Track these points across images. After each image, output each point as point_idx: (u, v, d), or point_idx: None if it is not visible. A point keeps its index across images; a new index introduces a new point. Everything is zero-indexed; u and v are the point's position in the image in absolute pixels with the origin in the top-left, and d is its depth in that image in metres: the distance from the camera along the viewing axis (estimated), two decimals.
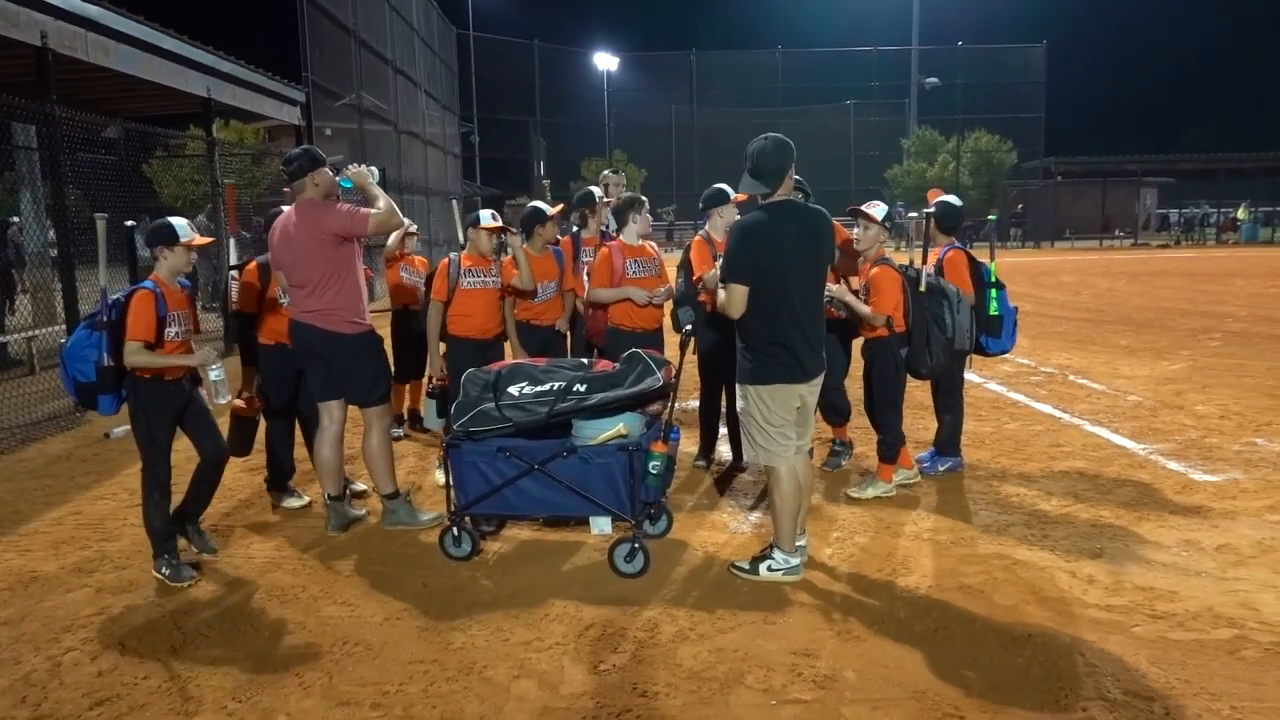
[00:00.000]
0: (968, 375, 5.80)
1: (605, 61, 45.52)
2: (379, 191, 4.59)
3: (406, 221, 5.05)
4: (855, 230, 5.14)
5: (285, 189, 4.73)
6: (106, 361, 4.07)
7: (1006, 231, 40.04)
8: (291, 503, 5.29)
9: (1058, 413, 7.24)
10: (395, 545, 4.67)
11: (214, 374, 4.19)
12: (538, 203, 5.81)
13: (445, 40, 31.99)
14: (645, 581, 4.10)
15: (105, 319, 4.08)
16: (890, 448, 5.13)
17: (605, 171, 7.35)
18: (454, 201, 8.20)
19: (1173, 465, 5.74)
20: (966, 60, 43.66)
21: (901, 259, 5.38)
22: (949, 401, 5.58)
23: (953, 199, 5.56)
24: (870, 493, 5.12)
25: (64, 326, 8.21)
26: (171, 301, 4.20)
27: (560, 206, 6.05)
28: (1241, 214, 40.13)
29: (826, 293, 4.45)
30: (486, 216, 5.51)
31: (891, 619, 3.70)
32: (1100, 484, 5.39)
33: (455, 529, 4.40)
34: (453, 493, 4.36)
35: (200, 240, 4.35)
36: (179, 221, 4.28)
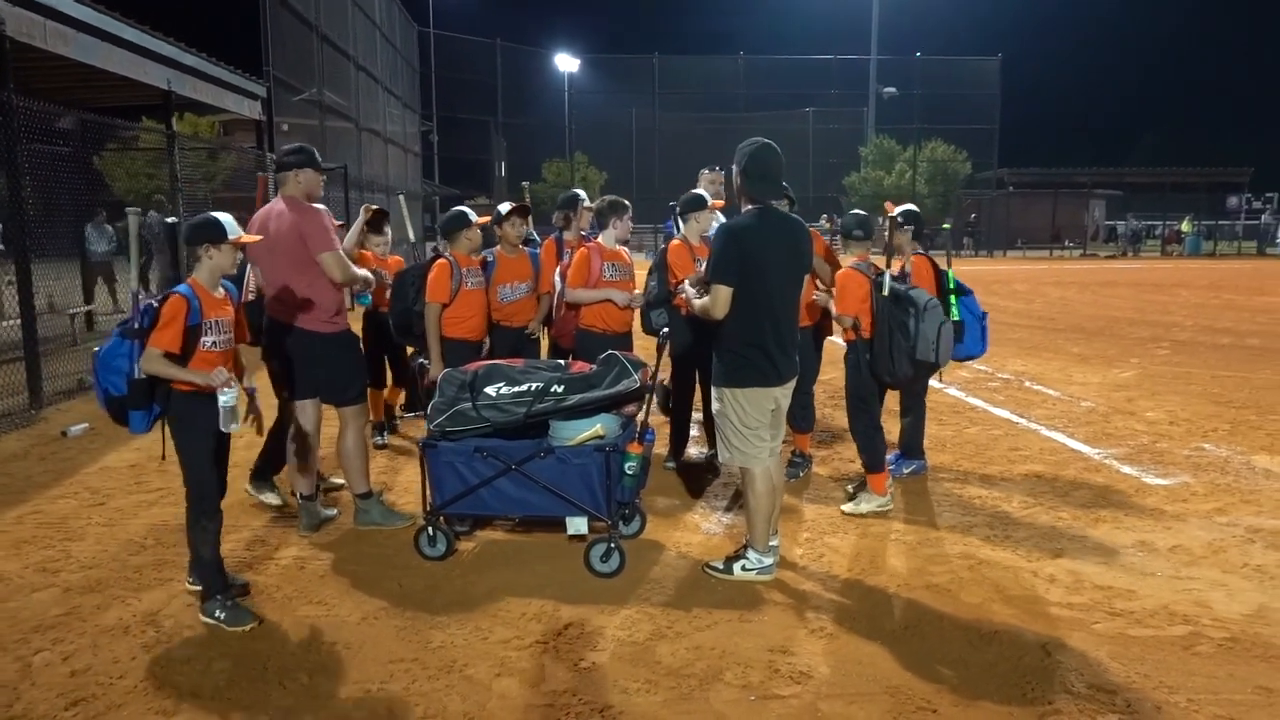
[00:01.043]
0: (931, 381, 5.93)
1: (567, 63, 45.46)
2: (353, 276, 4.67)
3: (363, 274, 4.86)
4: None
5: (260, 173, 4.72)
6: (138, 374, 3.63)
7: (960, 240, 40.79)
8: (269, 498, 5.23)
9: (1015, 418, 7.43)
10: (369, 545, 4.67)
11: (224, 399, 3.68)
12: (463, 208, 5.73)
13: (407, 37, 31.75)
14: (621, 581, 4.16)
15: (137, 325, 3.64)
16: (871, 455, 5.09)
17: (704, 170, 7.15)
18: (400, 198, 8.12)
19: (1126, 469, 5.94)
20: (924, 71, 44.38)
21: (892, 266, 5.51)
22: (909, 404, 5.71)
23: (910, 207, 5.69)
24: (864, 508, 5.05)
25: (17, 321, 8.02)
26: (209, 307, 3.75)
27: (486, 218, 5.89)
28: (1185, 227, 41.34)
29: (815, 297, 4.54)
30: (471, 213, 5.60)
31: (863, 617, 3.80)
32: (1058, 487, 5.56)
33: (431, 529, 4.41)
34: (428, 492, 4.38)
35: (249, 238, 3.99)
36: (225, 217, 3.86)
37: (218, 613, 3.76)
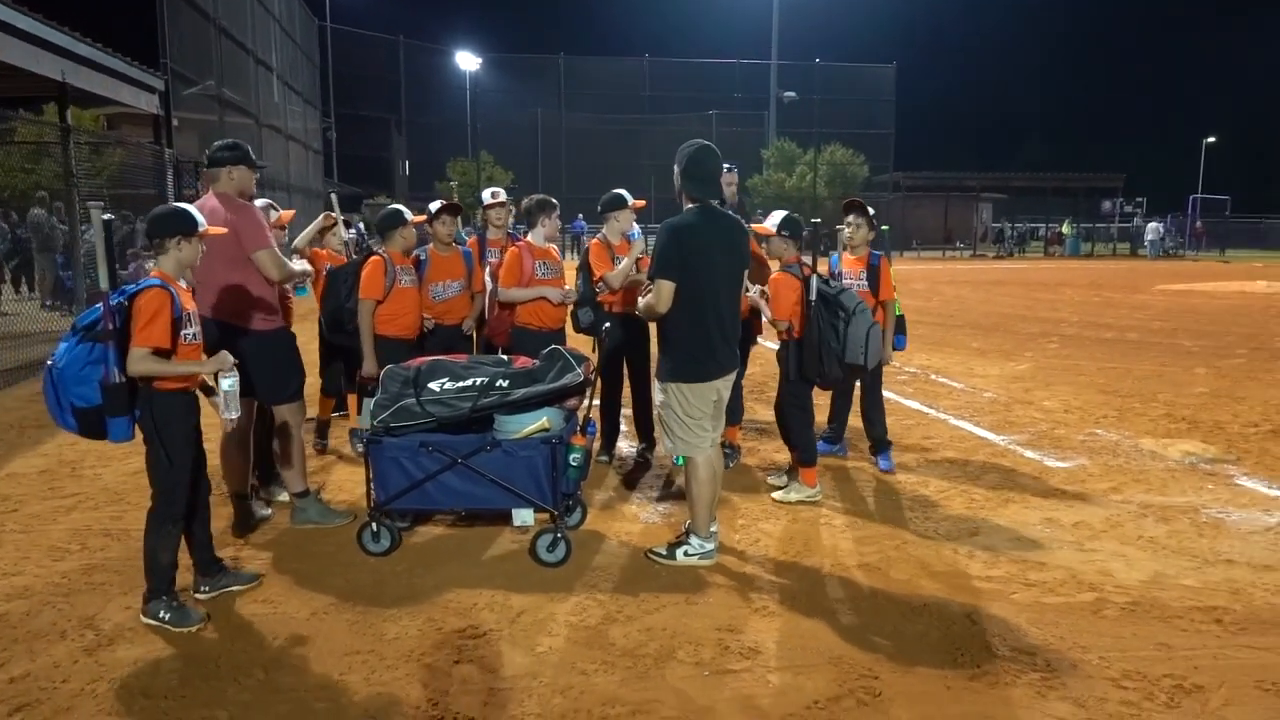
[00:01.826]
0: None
1: (469, 62, 45.05)
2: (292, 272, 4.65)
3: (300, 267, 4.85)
4: (763, 244, 5.44)
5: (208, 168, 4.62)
6: (117, 378, 3.45)
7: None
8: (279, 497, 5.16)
9: (925, 409, 7.83)
10: (310, 544, 4.64)
11: (226, 384, 3.60)
12: (399, 206, 5.75)
13: (307, 32, 30.98)
14: (567, 570, 4.26)
15: (111, 327, 3.45)
16: (804, 451, 5.28)
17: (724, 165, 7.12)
18: (333, 195, 8.04)
19: (1029, 454, 6.35)
20: (823, 76, 45.71)
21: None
22: (869, 400, 5.96)
23: (790, 215, 5.71)
24: (794, 497, 5.24)
25: None
26: (183, 299, 3.66)
27: (423, 216, 5.88)
28: (1065, 229, 43.67)
29: (749, 291, 4.72)
30: (405, 211, 5.60)
31: (802, 595, 4.00)
32: (969, 471, 5.91)
33: (375, 525, 4.42)
34: (372, 488, 4.39)
35: (216, 230, 3.90)
36: (193, 209, 3.79)
37: (162, 613, 3.68)
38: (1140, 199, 50.21)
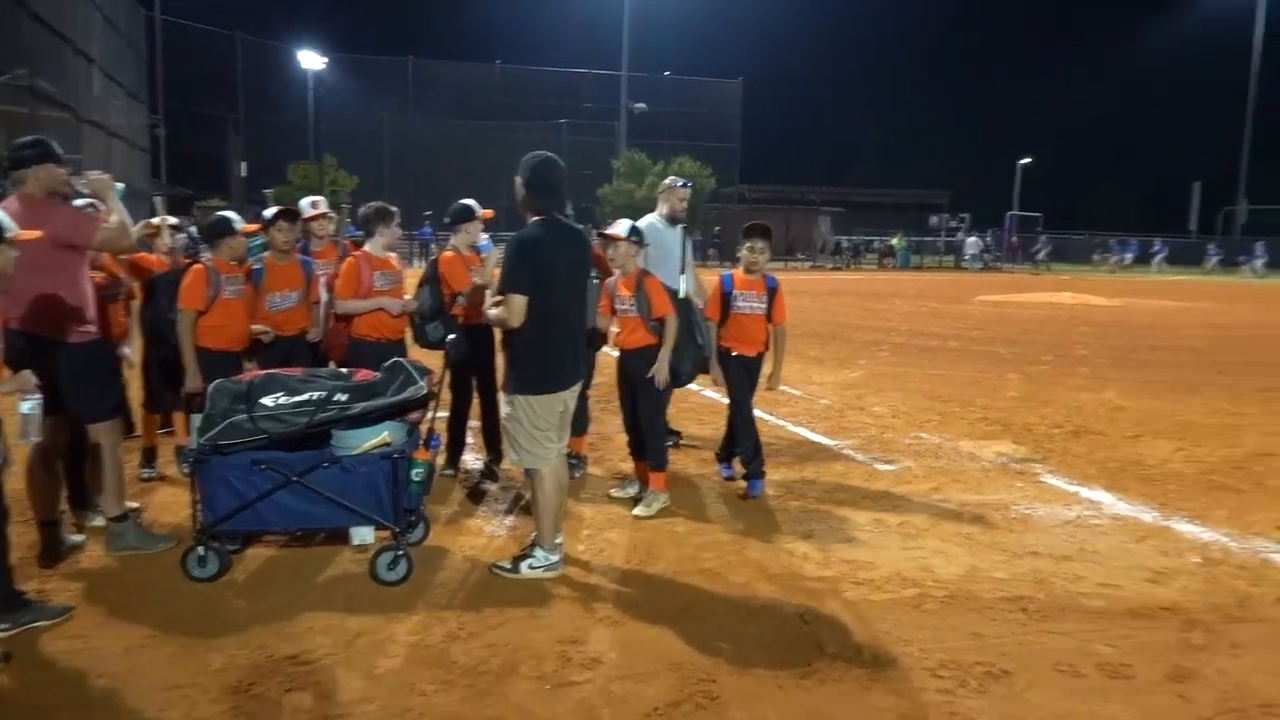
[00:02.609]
0: (694, 385, 6.34)
1: (312, 60, 43.30)
2: (117, 205, 4.28)
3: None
4: (609, 251, 5.52)
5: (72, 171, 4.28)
6: None
7: (705, 250, 43.23)
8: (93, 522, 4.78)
9: (765, 415, 8.09)
10: (128, 572, 4.34)
11: (26, 406, 3.42)
12: (229, 214, 5.50)
13: (134, 22, 29.04)
14: (409, 588, 4.17)
15: None
16: (660, 455, 5.36)
17: (670, 179, 6.79)
18: (157, 200, 7.58)
19: (860, 457, 6.70)
20: (672, 90, 46.68)
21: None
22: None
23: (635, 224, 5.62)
24: (656, 506, 5.27)
25: None
26: None
27: (254, 227, 5.67)
28: (896, 242, 46.25)
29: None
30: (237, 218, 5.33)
31: (644, 603, 4.08)
32: (805, 475, 6.17)
33: (201, 549, 4.19)
34: (198, 510, 4.16)
35: (28, 234, 3.69)
36: (2, 213, 3.60)
37: None
38: (964, 215, 53.76)
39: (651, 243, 6.03)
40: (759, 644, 3.69)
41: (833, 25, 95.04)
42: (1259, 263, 43.86)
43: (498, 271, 5.43)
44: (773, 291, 5.68)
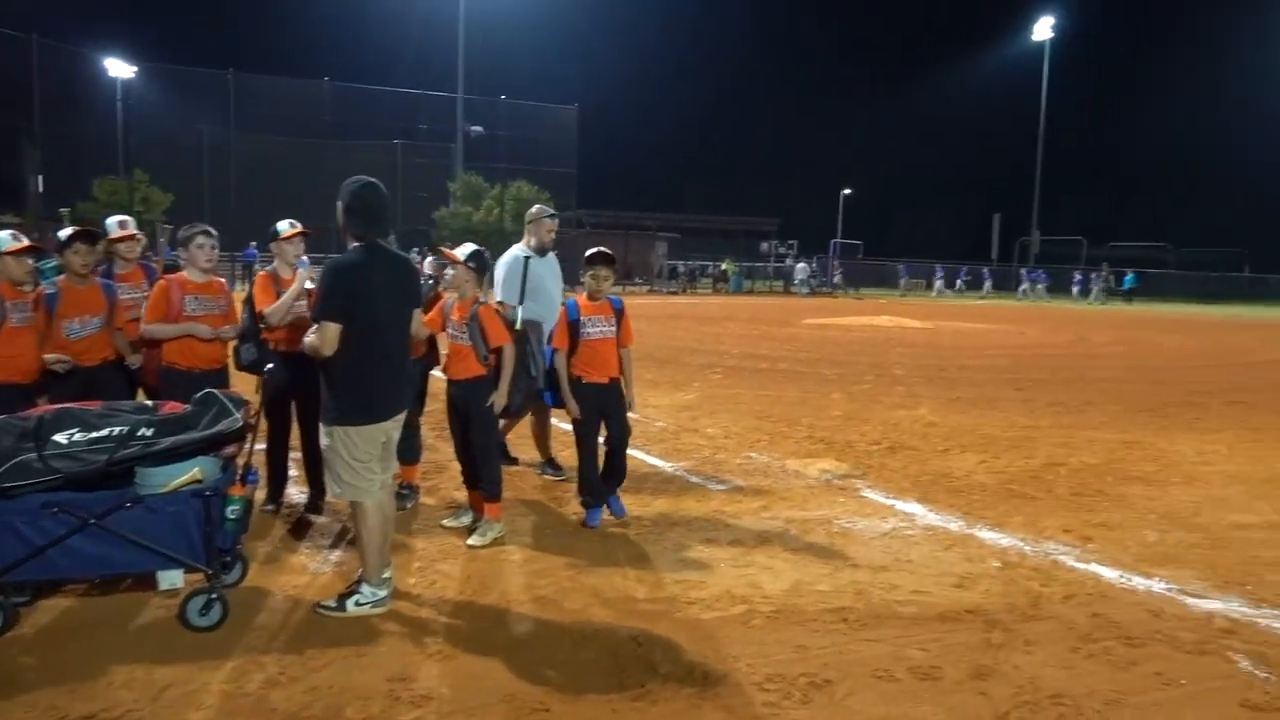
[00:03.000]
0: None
1: (120, 69, 40.54)
2: None
3: None
4: (428, 261, 5.43)
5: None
6: None
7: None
8: None
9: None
10: None
11: None
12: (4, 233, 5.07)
13: None
14: (224, 633, 3.93)
15: None
16: (495, 485, 5.28)
17: (537, 208, 6.54)
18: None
19: (693, 479, 6.85)
20: (509, 114, 46.58)
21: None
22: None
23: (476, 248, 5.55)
24: (491, 536, 5.18)
25: None
26: None
27: (23, 246, 5.23)
28: (726, 267, 47.85)
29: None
30: (6, 238, 4.86)
31: (477, 635, 4.01)
32: (640, 498, 6.24)
33: None
34: None
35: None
36: None
37: None
38: (792, 241, 56.33)
39: (513, 275, 6.00)
40: (593, 669, 3.70)
41: (666, 55, 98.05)
42: (1040, 286, 48.85)
43: (303, 291, 5.28)
44: (619, 313, 5.65)
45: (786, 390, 11.55)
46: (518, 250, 6.52)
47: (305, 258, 5.51)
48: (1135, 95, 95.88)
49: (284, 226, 5.49)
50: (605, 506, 5.67)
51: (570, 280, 7.72)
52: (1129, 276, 48.83)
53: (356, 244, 4.04)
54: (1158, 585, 4.78)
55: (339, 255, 4.04)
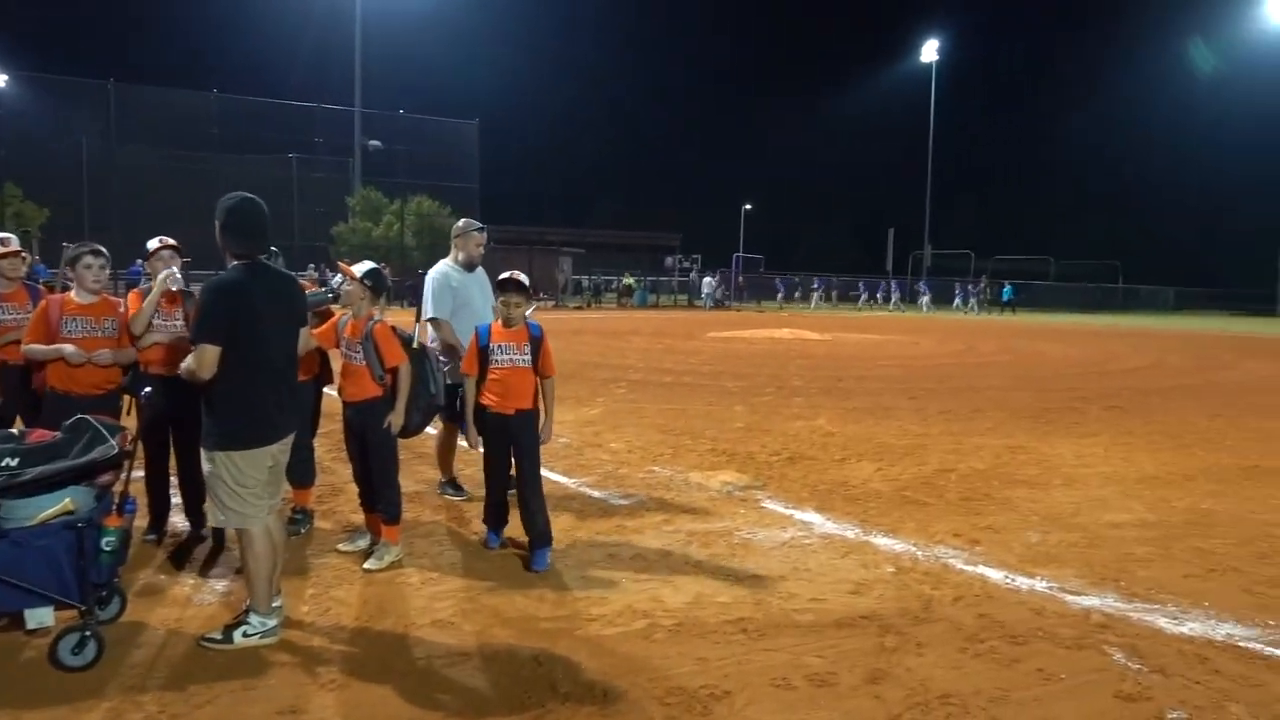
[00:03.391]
0: (430, 429, 6.21)
1: None
2: None
3: None
4: (336, 279, 5.29)
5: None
6: None
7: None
8: None
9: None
10: None
11: None
12: None
13: None
14: (100, 672, 3.71)
15: None
16: (394, 507, 5.13)
17: (464, 221, 6.34)
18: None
19: (596, 494, 6.84)
20: (408, 128, 45.89)
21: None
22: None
23: (373, 266, 5.39)
24: (388, 559, 5.04)
25: None
26: None
27: None
28: (628, 281, 48.16)
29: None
30: None
31: (373, 661, 3.90)
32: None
33: None
34: None
35: None
36: None
37: None
38: (696, 256, 57.11)
39: (443, 290, 5.88)
40: (494, 691, 3.64)
41: (568, 72, 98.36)
42: (925, 299, 51.33)
43: (168, 301, 5.09)
44: (536, 341, 5.20)
45: (690, 403, 11.66)
46: (445, 266, 6.41)
47: (175, 268, 5.28)
48: (1020, 117, 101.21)
49: (153, 243, 5.32)
50: (531, 550, 5.21)
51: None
52: (1007, 288, 51.32)
53: (237, 262, 3.90)
54: (1040, 584, 4.99)
55: (218, 274, 3.89)
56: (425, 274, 6.51)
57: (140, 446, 4.45)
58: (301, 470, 5.60)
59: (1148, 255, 68.93)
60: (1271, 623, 4.50)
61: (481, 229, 6.46)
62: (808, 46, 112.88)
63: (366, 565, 5.05)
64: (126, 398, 5.21)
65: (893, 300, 52.57)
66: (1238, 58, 69.69)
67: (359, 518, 5.63)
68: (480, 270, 6.51)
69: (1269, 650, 4.17)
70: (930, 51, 64.37)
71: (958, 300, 52.12)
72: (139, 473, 5.59)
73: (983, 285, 52.41)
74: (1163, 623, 4.48)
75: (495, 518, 5.47)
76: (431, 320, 6.23)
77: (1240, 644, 4.24)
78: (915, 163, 68.31)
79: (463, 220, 6.63)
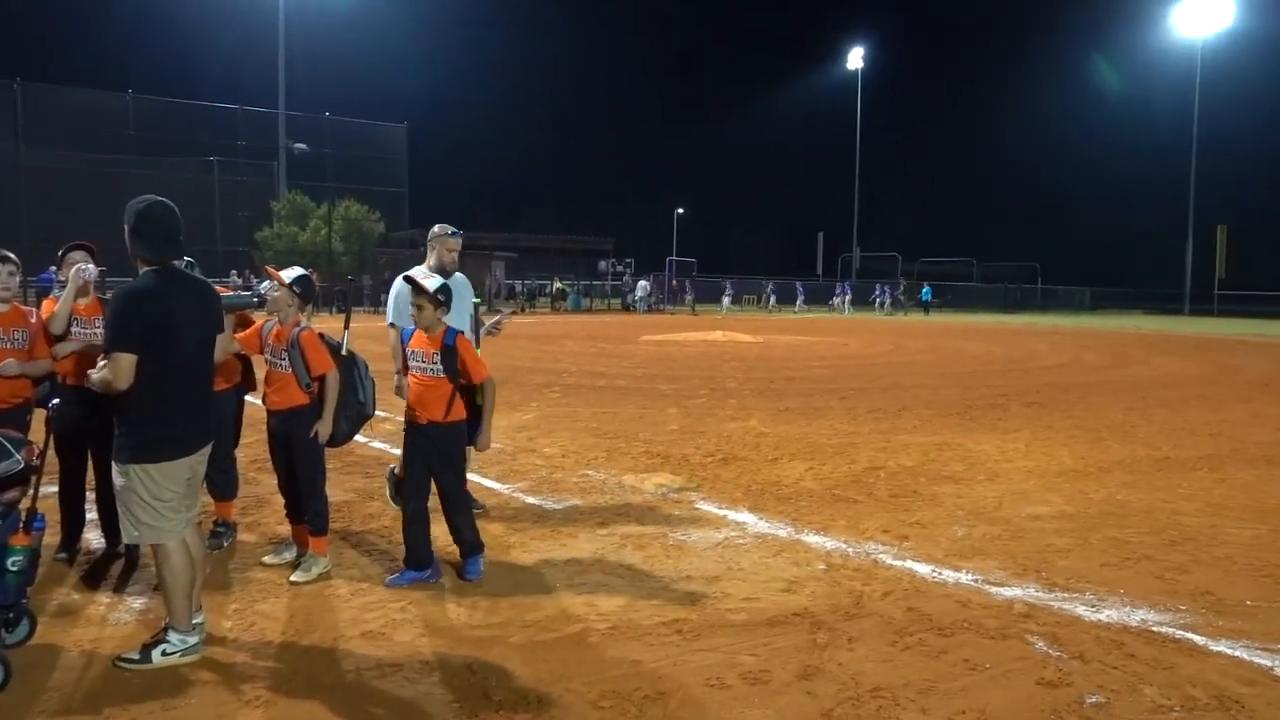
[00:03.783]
0: (359, 437, 6.09)
1: None
2: None
3: None
4: (264, 285, 5.15)
5: None
6: None
7: (377, 297, 42.08)
8: None
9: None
10: None
11: None
12: None
13: None
14: (8, 698, 3.54)
15: None
16: (321, 518, 5.00)
17: (439, 226, 6.04)
18: None
19: (530, 499, 6.80)
20: (334, 131, 45.07)
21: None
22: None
23: (302, 273, 5.26)
24: (316, 571, 4.92)
25: None
26: None
27: None
28: (562, 286, 48.02)
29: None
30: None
31: (299, 676, 3.80)
32: (477, 523, 6.12)
33: None
34: None
35: None
36: None
37: None
38: (629, 259, 57.17)
39: (401, 297, 5.74)
40: (426, 702, 3.58)
41: (499, 74, 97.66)
42: (843, 300, 52.66)
43: (80, 303, 4.90)
44: (450, 351, 4.89)
45: (624, 407, 11.67)
46: (417, 271, 6.26)
47: (91, 267, 5.06)
48: (943, 124, 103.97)
49: (66, 249, 5.12)
50: (463, 558, 5.08)
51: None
52: (925, 289, 52.73)
53: (148, 268, 3.76)
54: (965, 577, 5.12)
55: (130, 281, 3.75)
56: (354, 280, 6.37)
57: (53, 461, 4.27)
58: (223, 482, 5.45)
59: (1065, 257, 71.66)
60: (1182, 608, 4.69)
61: (455, 234, 6.30)
62: (739, 50, 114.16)
63: (293, 578, 4.93)
64: (37, 410, 5.00)
65: (845, 302, 53.18)
66: (1139, 71, 73.18)
67: (285, 529, 5.49)
68: (458, 276, 6.35)
69: (1180, 634, 4.34)
70: (856, 59, 65.73)
71: (876, 300, 53.36)
72: (51, 488, 5.38)
73: (901, 287, 53.73)
74: (1081, 611, 4.63)
75: (417, 561, 4.94)
76: (390, 325, 6.10)
77: (1153, 629, 4.40)
78: (844, 167, 69.67)
79: (437, 225, 6.48)
